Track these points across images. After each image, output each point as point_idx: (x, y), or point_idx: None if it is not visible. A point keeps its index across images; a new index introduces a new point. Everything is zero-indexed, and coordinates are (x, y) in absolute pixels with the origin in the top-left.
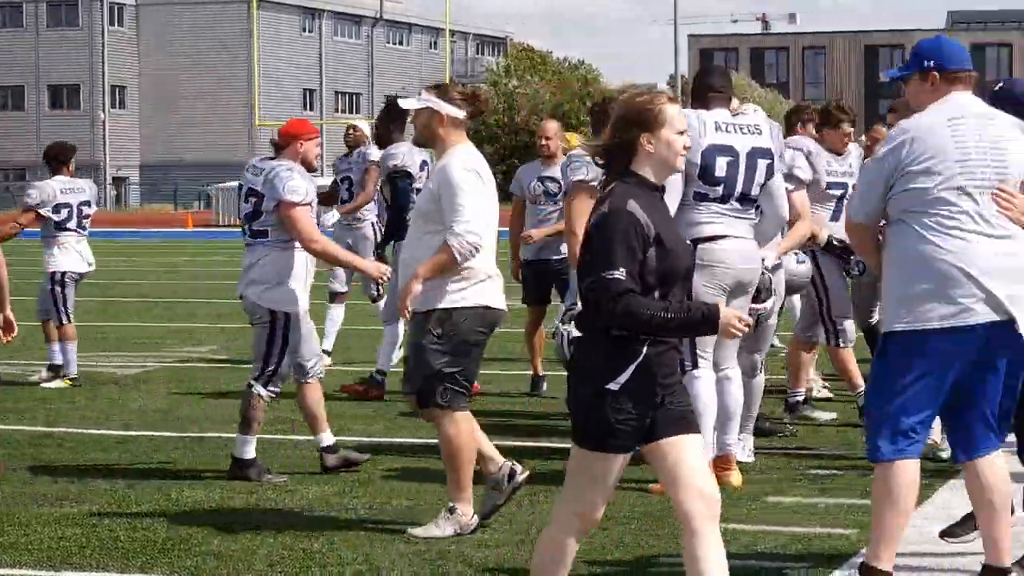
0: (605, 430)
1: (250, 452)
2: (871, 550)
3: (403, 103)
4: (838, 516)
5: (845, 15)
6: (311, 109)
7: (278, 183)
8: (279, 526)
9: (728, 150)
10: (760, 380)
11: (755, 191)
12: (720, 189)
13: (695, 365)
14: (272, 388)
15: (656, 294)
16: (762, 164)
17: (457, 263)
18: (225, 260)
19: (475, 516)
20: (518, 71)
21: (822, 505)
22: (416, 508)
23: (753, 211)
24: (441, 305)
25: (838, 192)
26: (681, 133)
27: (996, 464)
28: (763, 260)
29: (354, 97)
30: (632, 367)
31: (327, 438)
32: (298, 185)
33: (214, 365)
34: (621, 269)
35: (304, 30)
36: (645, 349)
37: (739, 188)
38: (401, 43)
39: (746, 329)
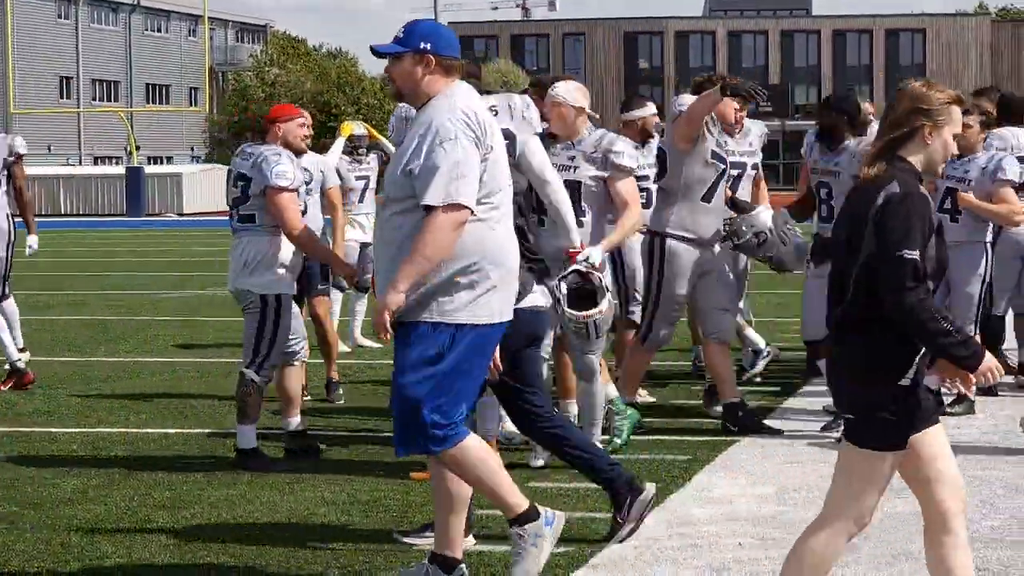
0: (900, 428)
1: (251, 441)
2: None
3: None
4: (597, 501)
5: (604, 2)
6: (68, 97)
7: (265, 167)
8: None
9: None
10: (598, 386)
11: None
12: None
13: None
14: (264, 374)
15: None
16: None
17: None
18: None
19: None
20: (279, 60)
21: (581, 490)
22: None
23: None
24: None
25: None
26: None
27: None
28: (588, 258)
29: (113, 85)
30: (917, 359)
31: (296, 422)
32: (285, 170)
33: None
34: (916, 252)
35: (60, 16)
36: None
37: None
38: (159, 30)
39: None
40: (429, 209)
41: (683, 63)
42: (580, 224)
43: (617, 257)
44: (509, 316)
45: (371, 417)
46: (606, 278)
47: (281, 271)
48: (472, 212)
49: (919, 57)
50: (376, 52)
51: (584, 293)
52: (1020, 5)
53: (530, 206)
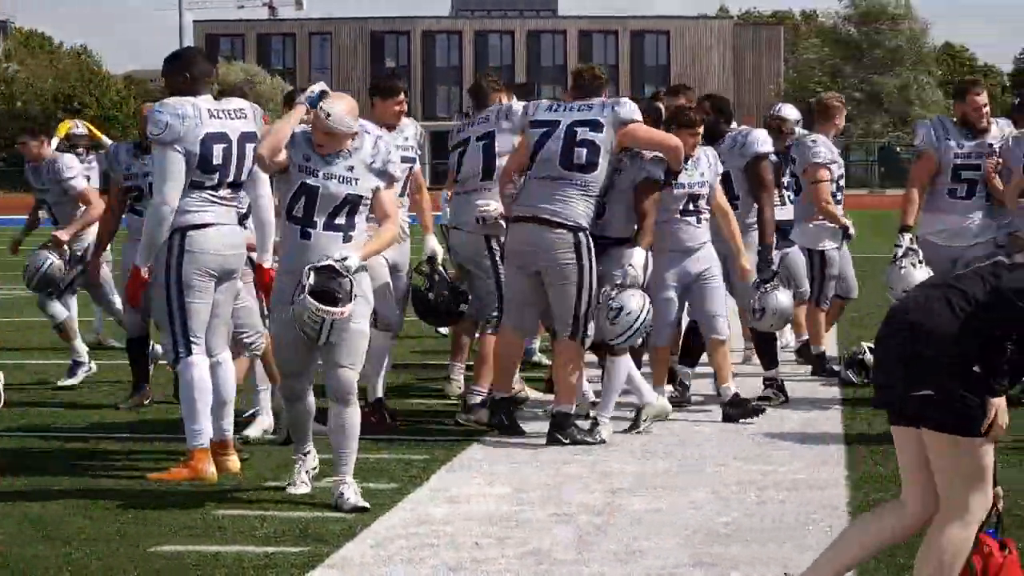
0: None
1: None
2: None
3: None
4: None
5: (351, 1)
6: None
7: None
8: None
9: (222, 137)
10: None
11: (244, 177)
12: (216, 177)
13: (188, 352)
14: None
15: None
16: (249, 148)
17: None
18: None
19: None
20: (19, 56)
21: (320, 489)
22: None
23: (241, 198)
24: None
25: None
26: None
27: None
28: (345, 259)
29: None
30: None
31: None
32: None
33: None
34: None
35: None
36: None
37: (231, 175)
38: None
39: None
40: None
41: (430, 63)
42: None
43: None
44: None
45: None
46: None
47: None
48: None
49: (663, 59)
50: None
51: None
52: (761, 8)
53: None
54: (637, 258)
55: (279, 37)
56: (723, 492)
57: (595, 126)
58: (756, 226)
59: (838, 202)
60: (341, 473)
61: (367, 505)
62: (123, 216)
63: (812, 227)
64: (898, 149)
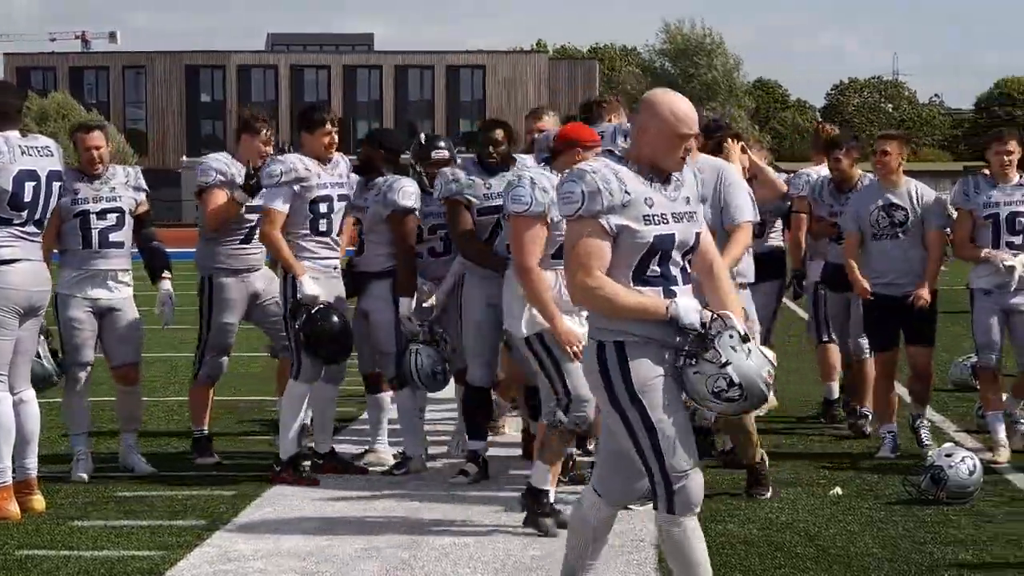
0: None
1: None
2: None
3: None
4: (142, 538)
5: (165, 35)
6: None
7: None
8: None
9: (33, 174)
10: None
11: (48, 216)
12: (24, 214)
13: None
14: None
15: None
16: (56, 187)
17: None
18: None
19: None
20: None
21: (127, 528)
22: None
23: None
24: None
25: None
26: None
27: None
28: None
29: None
30: None
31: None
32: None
33: None
34: None
35: None
36: None
37: (38, 213)
38: None
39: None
40: None
41: (245, 97)
42: None
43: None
44: None
45: None
46: None
47: None
48: None
49: (479, 93)
50: None
51: None
52: (577, 43)
53: None
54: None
55: (92, 71)
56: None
57: None
58: None
59: None
60: None
61: None
62: None
63: None
64: None
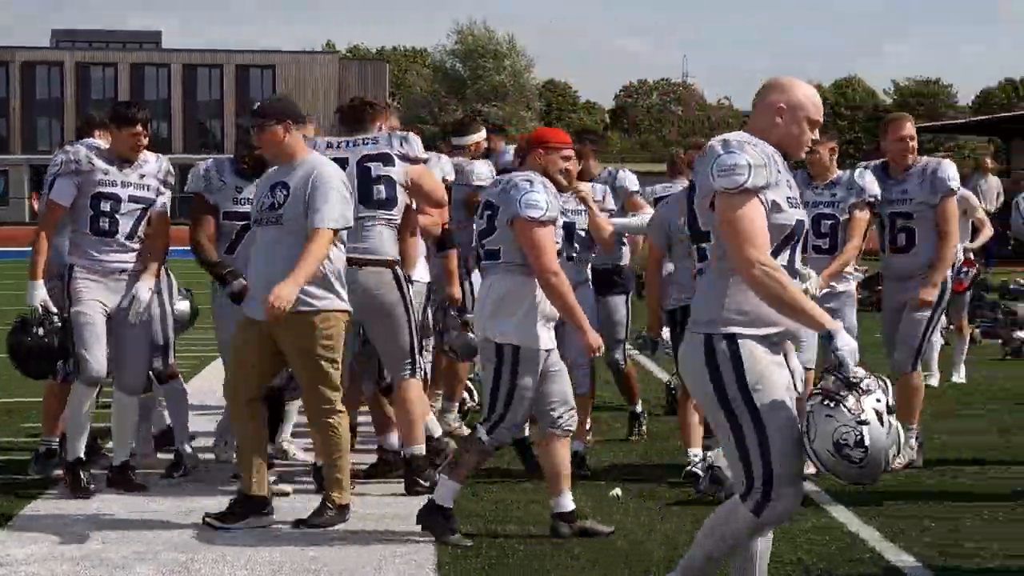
0: None
1: (448, 501)
2: None
3: None
4: None
5: None
6: None
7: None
8: None
9: None
10: None
11: None
12: None
13: None
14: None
15: None
16: None
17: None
18: None
19: None
20: None
21: None
22: None
23: None
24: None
25: None
26: None
27: None
28: None
29: None
30: None
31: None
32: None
33: None
34: None
35: None
36: None
37: None
38: None
39: None
40: None
41: (30, 94)
42: None
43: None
44: None
45: None
46: None
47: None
48: None
49: (269, 93)
50: None
51: None
52: (368, 44)
53: None
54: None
55: None
56: (313, 527)
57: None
58: None
59: None
60: None
61: None
62: None
63: None
64: None
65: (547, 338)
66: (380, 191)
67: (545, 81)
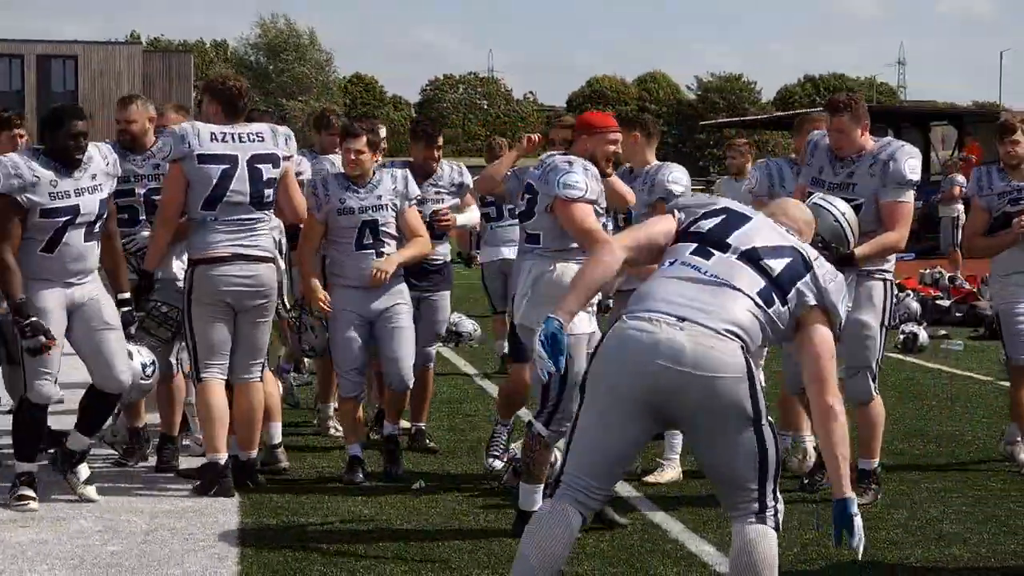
0: None
1: (534, 503)
2: None
3: None
4: None
5: None
6: None
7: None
8: None
9: None
10: None
11: None
12: None
13: None
14: (554, 428)
15: None
16: None
17: None
18: None
19: None
20: None
21: None
22: None
23: None
24: None
25: None
26: None
27: None
28: None
29: None
30: None
31: None
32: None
33: None
34: None
35: None
36: None
37: None
38: None
39: None
40: None
41: None
42: None
43: None
44: None
45: None
46: None
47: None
48: None
49: (71, 84)
50: None
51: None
52: (170, 36)
53: None
54: None
55: None
56: (112, 522)
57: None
58: None
59: None
60: None
61: None
62: None
63: None
64: None
65: (588, 321)
66: (270, 195)
67: (351, 76)
